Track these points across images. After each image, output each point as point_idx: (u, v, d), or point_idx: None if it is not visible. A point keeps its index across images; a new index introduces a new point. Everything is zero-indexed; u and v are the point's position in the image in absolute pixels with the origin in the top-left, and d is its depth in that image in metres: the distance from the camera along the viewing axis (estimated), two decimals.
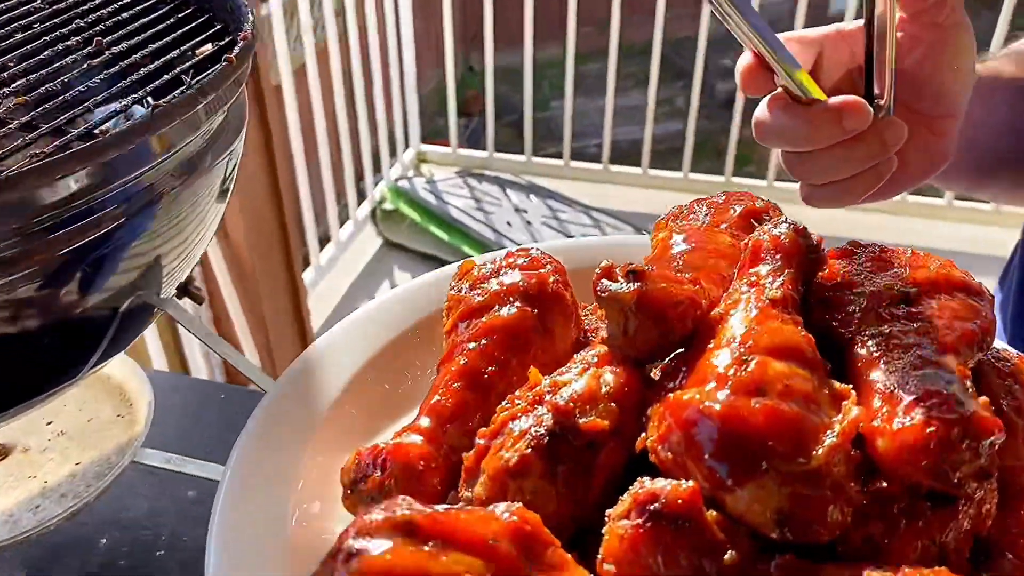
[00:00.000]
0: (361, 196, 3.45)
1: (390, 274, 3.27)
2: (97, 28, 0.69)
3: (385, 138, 3.49)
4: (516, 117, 3.73)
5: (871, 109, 0.65)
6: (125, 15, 0.71)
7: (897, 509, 0.47)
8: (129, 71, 0.63)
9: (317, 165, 3.01)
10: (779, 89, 0.66)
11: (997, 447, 0.45)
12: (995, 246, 3.08)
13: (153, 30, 0.69)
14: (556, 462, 0.48)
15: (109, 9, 0.72)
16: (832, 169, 0.68)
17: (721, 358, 0.48)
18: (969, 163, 0.86)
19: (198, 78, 0.59)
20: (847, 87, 0.70)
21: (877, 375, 0.49)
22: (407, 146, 3.75)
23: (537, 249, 0.64)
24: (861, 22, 0.68)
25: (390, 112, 3.51)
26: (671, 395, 0.47)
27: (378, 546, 0.41)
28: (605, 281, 0.51)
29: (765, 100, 0.68)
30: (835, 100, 0.65)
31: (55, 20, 0.70)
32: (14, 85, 0.60)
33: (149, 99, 0.59)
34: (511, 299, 0.59)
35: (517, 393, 0.52)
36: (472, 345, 0.57)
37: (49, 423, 0.80)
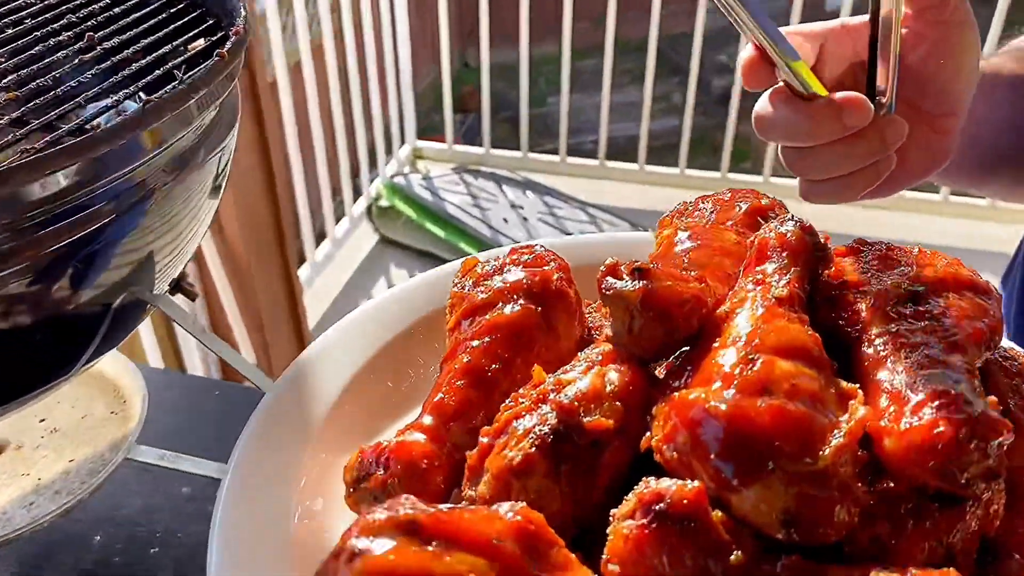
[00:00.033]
0: (357, 193, 3.44)
1: (386, 271, 3.27)
2: (89, 23, 0.69)
3: (381, 134, 3.48)
4: (512, 113, 3.72)
5: (872, 106, 0.65)
6: (117, 10, 0.71)
7: (904, 509, 0.46)
8: (121, 66, 0.62)
9: (313, 162, 3.01)
10: (780, 83, 0.66)
11: (1005, 447, 0.45)
12: (991, 242, 3.08)
13: (145, 25, 0.68)
14: (560, 461, 0.47)
15: (101, 4, 0.71)
16: (831, 165, 0.68)
17: (727, 357, 0.47)
18: (971, 160, 0.86)
19: (190, 73, 0.59)
20: (849, 83, 0.69)
21: (884, 374, 0.49)
22: (403, 142, 3.75)
23: (541, 246, 0.63)
24: (866, 17, 0.68)
25: (386, 108, 3.51)
26: (676, 394, 0.47)
27: (381, 546, 0.40)
28: (610, 279, 0.51)
29: (766, 94, 0.68)
30: (836, 96, 0.65)
31: (46, 15, 0.70)
32: (5, 81, 0.60)
33: (141, 94, 0.58)
34: (514, 296, 0.58)
35: (521, 391, 0.52)
36: (475, 343, 0.57)
37: (42, 420, 0.80)
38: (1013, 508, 0.49)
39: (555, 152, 3.68)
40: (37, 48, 0.64)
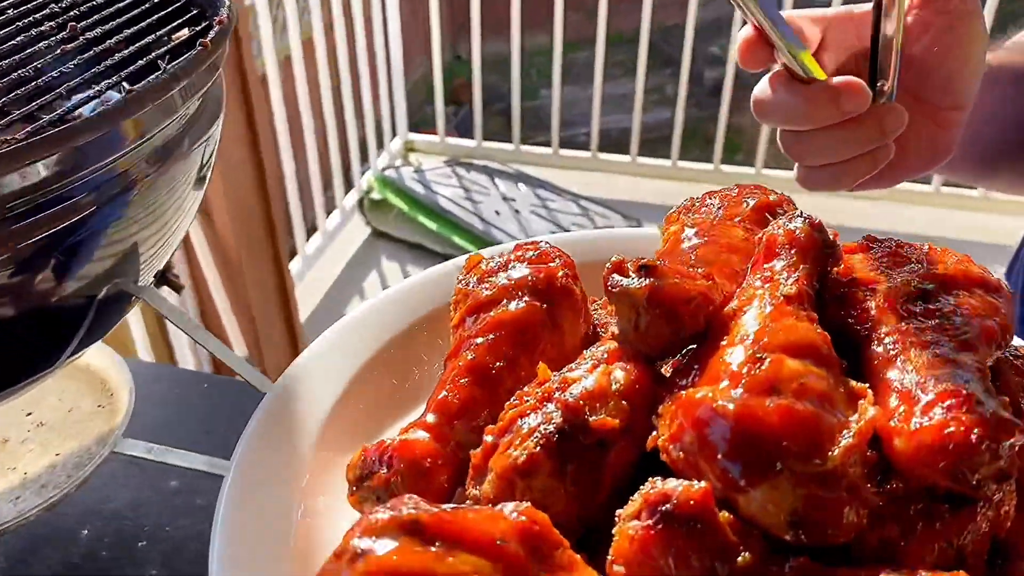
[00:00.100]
0: (348, 186, 3.43)
1: (378, 264, 3.26)
2: (71, 13, 0.68)
3: (372, 127, 3.47)
4: (505, 106, 3.72)
5: (870, 92, 0.65)
6: (100, 0, 0.70)
7: (914, 510, 0.46)
8: (103, 56, 0.62)
9: (304, 155, 3.01)
10: (778, 65, 0.66)
11: (1017, 448, 0.44)
12: (985, 233, 3.09)
13: (128, 15, 0.68)
14: (565, 461, 0.47)
15: None
16: (828, 150, 0.68)
17: (735, 356, 0.47)
18: (975, 155, 0.86)
19: (173, 63, 0.58)
20: (853, 71, 0.69)
21: (894, 373, 0.48)
22: (394, 135, 3.74)
23: (546, 242, 0.63)
24: (870, 5, 0.67)
25: (377, 101, 3.50)
26: (683, 393, 0.46)
27: (384, 546, 0.40)
28: (616, 276, 0.50)
29: (766, 78, 0.68)
30: (835, 80, 0.64)
31: (28, 5, 0.69)
32: None
33: (124, 84, 0.58)
34: (519, 293, 0.58)
35: (526, 389, 0.51)
36: (480, 340, 0.56)
37: (29, 414, 0.80)
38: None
39: (547, 144, 3.68)
40: (19, 38, 0.64)
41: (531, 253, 0.61)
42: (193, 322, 0.70)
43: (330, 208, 3.31)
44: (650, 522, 0.42)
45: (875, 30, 0.66)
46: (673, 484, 0.43)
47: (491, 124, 3.79)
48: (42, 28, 0.65)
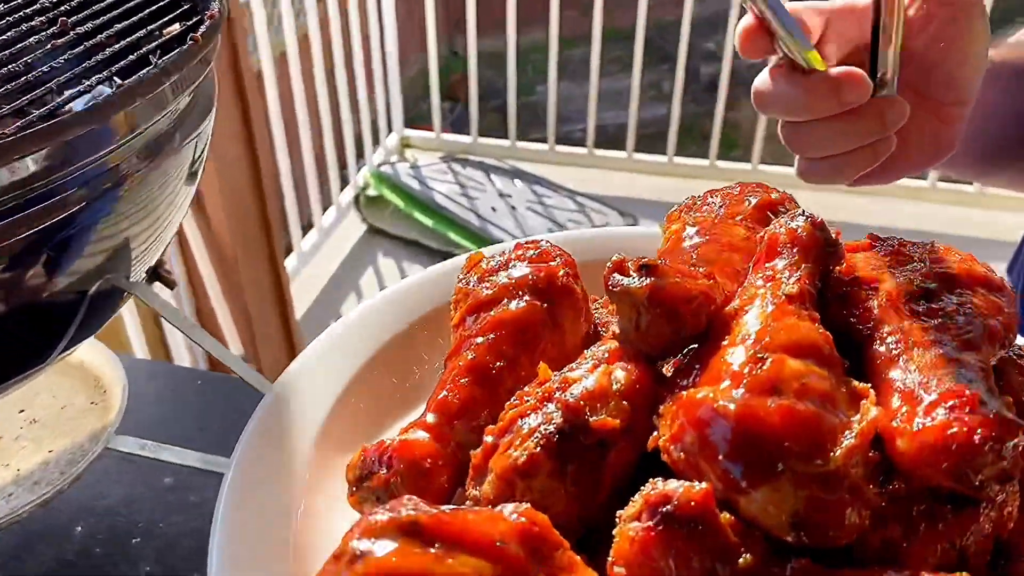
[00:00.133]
0: (344, 182, 3.42)
1: (374, 261, 3.25)
2: (62, 8, 0.68)
3: (368, 123, 3.46)
4: (501, 102, 3.71)
5: (871, 83, 0.65)
6: None
7: (916, 511, 0.46)
8: (94, 51, 0.61)
9: (299, 151, 3.00)
10: (778, 55, 0.66)
11: (1021, 448, 0.44)
12: (984, 229, 3.09)
13: (119, 10, 0.67)
14: (566, 461, 0.47)
15: None
16: (828, 142, 0.67)
17: (736, 356, 0.46)
18: (977, 151, 0.85)
19: (164, 58, 0.58)
20: (855, 63, 0.68)
21: (897, 373, 0.48)
22: (390, 131, 3.73)
23: (547, 241, 0.62)
24: None
25: (372, 97, 3.49)
26: (684, 393, 0.46)
27: (383, 548, 0.40)
28: (617, 276, 0.50)
29: (766, 69, 0.68)
30: (835, 71, 0.64)
31: (18, 0, 0.69)
32: None
33: (116, 79, 0.58)
34: (520, 292, 0.57)
35: (526, 389, 0.51)
36: (480, 339, 0.56)
37: (22, 411, 0.80)
38: None
39: (543, 141, 3.68)
40: (9, 33, 0.63)
41: (532, 252, 0.60)
42: (186, 319, 0.70)
43: (326, 205, 3.30)
44: (651, 523, 0.42)
45: (876, 22, 0.66)
46: (674, 485, 0.43)
47: (487, 120, 3.78)
48: (33, 23, 0.65)
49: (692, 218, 0.61)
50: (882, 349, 0.49)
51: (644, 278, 0.49)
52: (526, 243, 0.62)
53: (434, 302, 0.70)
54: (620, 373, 0.49)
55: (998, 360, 0.51)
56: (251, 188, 2.24)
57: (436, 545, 0.40)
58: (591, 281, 0.59)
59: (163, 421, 0.90)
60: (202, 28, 0.62)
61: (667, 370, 0.52)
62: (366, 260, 3.26)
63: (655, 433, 0.47)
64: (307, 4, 2.92)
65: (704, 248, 0.57)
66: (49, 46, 0.62)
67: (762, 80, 0.68)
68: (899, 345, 0.49)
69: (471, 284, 0.60)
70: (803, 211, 0.55)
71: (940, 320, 0.50)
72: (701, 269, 0.53)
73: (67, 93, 0.56)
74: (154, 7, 0.68)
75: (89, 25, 0.65)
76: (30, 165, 0.51)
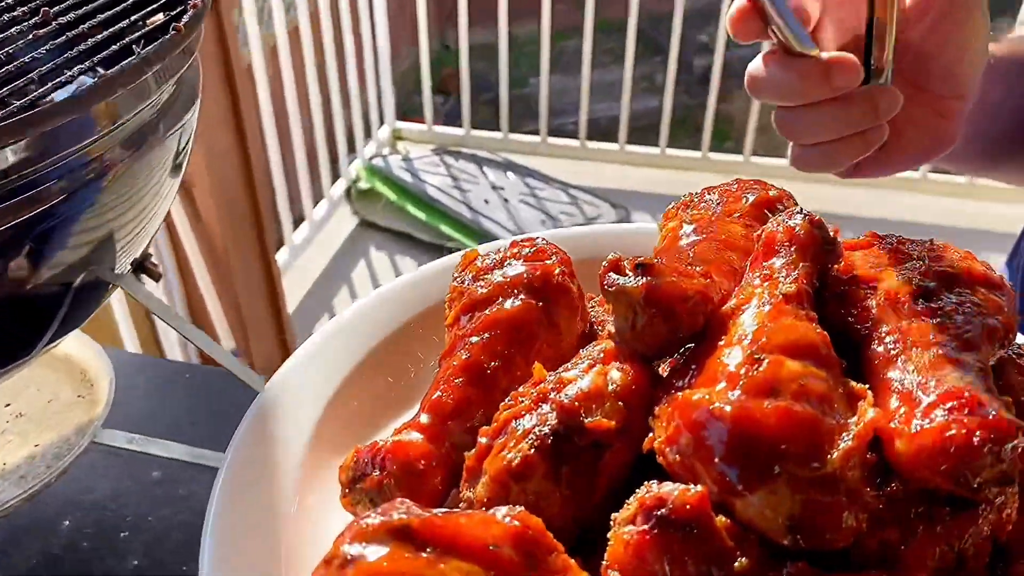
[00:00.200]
0: (336, 175, 3.41)
1: (366, 254, 3.24)
2: None
3: (359, 116, 3.45)
4: (493, 95, 3.70)
5: (862, 69, 0.64)
6: None
7: (914, 514, 0.45)
8: (76, 41, 0.61)
9: (291, 144, 2.99)
10: (771, 39, 0.65)
11: (1020, 450, 0.43)
12: (970, 219, 3.10)
13: (102, 0, 0.66)
14: (560, 463, 0.46)
15: None
16: (820, 128, 0.67)
17: (732, 356, 0.46)
18: (977, 148, 0.84)
19: (146, 48, 0.57)
20: (854, 52, 0.68)
21: (895, 373, 0.47)
22: (382, 123, 3.72)
23: (543, 239, 0.62)
24: None
25: (364, 89, 3.48)
26: (680, 394, 0.46)
27: (374, 552, 0.40)
28: (612, 275, 0.49)
29: (760, 55, 0.67)
30: (826, 55, 0.64)
31: None
32: None
33: (99, 69, 0.57)
34: (515, 291, 0.57)
35: (521, 390, 0.50)
36: (475, 339, 0.55)
37: (7, 405, 0.79)
38: None
39: (536, 133, 3.67)
40: None
41: (527, 250, 0.60)
42: (173, 311, 0.70)
43: (317, 198, 3.29)
44: (646, 527, 0.42)
45: (871, 11, 0.65)
46: (669, 488, 0.43)
47: (480, 113, 3.77)
48: (14, 13, 0.64)
49: (689, 215, 0.60)
50: (880, 349, 0.49)
51: (640, 277, 0.48)
52: (521, 241, 0.61)
53: (429, 300, 0.69)
54: (616, 373, 0.49)
55: (997, 359, 0.51)
56: (242, 182, 2.23)
57: (428, 549, 0.40)
58: (587, 279, 0.59)
59: (151, 415, 0.90)
60: (185, 18, 0.61)
61: (663, 370, 0.51)
62: (358, 253, 3.25)
63: (651, 434, 0.47)
64: None
65: (701, 246, 0.56)
66: (31, 36, 0.61)
67: (755, 65, 0.68)
68: (897, 345, 0.48)
69: (466, 282, 0.59)
70: (801, 209, 0.54)
71: (939, 319, 0.49)
72: (698, 268, 0.52)
73: (49, 84, 0.55)
74: None
75: (71, 15, 0.64)
76: (9, 156, 0.50)
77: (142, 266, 0.74)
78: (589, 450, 0.46)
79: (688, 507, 0.42)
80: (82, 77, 0.57)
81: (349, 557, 0.39)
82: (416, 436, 0.51)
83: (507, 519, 0.42)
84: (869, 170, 0.73)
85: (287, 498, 0.56)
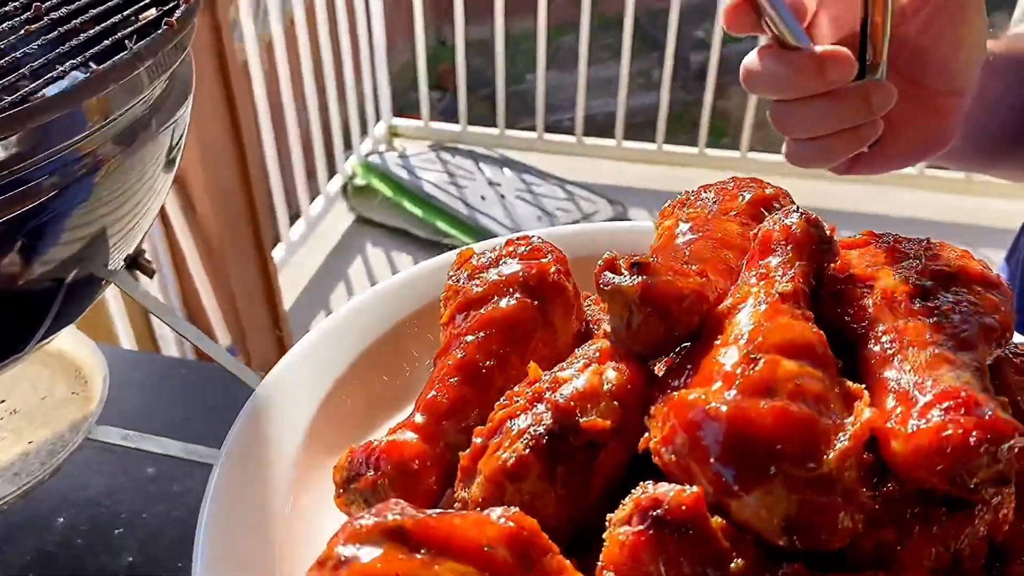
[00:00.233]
0: (332, 171, 3.41)
1: (362, 250, 3.24)
2: None
3: (356, 112, 3.44)
4: (490, 91, 3.70)
5: (855, 62, 0.64)
6: None
7: (910, 514, 0.45)
8: (69, 37, 0.60)
9: (286, 141, 2.98)
10: (765, 33, 0.65)
11: (1016, 450, 0.43)
12: (973, 215, 3.10)
13: None
14: (555, 463, 0.46)
15: None
16: (813, 122, 0.67)
17: (728, 356, 0.46)
18: (975, 146, 0.84)
19: (139, 43, 0.57)
20: (851, 48, 0.68)
21: (891, 373, 0.47)
22: (378, 120, 3.71)
23: (538, 237, 0.61)
24: None
25: (360, 86, 3.47)
26: (676, 394, 0.45)
27: (368, 554, 0.40)
28: (608, 274, 0.49)
29: (755, 49, 0.68)
30: (819, 48, 0.64)
31: None
32: None
33: (91, 64, 0.57)
34: (511, 290, 0.56)
35: (516, 389, 0.50)
36: (470, 338, 0.55)
37: (2, 401, 0.79)
38: (1022, 510, 0.48)
39: (533, 129, 3.67)
40: None
41: (523, 248, 0.59)
42: (166, 307, 0.70)
43: (314, 194, 3.29)
44: (641, 528, 0.42)
45: (865, 6, 0.65)
46: (664, 489, 0.43)
47: (476, 109, 3.77)
48: (6, 9, 0.64)
49: (685, 214, 0.60)
50: (877, 348, 0.49)
51: (635, 276, 0.48)
52: (517, 239, 0.61)
53: (425, 298, 0.69)
54: (611, 373, 0.49)
55: (994, 358, 0.50)
56: (238, 178, 2.23)
57: (422, 550, 0.40)
58: (583, 277, 0.59)
59: (146, 411, 0.90)
60: (177, 13, 0.61)
61: (659, 369, 0.51)
62: (354, 250, 3.25)
63: (647, 434, 0.46)
64: None
65: (697, 245, 0.56)
66: (23, 32, 0.61)
67: (750, 59, 0.68)
68: (894, 344, 0.48)
69: (461, 281, 0.59)
70: (797, 207, 0.54)
71: (936, 318, 0.49)
72: (694, 267, 0.52)
73: (40, 79, 0.55)
74: None
75: (64, 10, 0.64)
76: (0, 151, 0.50)
77: (136, 262, 0.74)
78: (584, 450, 0.46)
79: (684, 508, 0.42)
80: (74, 72, 0.57)
81: (343, 558, 0.39)
82: (411, 436, 0.51)
83: (502, 520, 0.42)
84: (866, 167, 0.73)
85: (281, 498, 0.55)
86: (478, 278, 0.58)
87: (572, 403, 0.47)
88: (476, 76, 3.72)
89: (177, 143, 0.68)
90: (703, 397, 0.44)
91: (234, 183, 2.23)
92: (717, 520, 0.42)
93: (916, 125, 0.71)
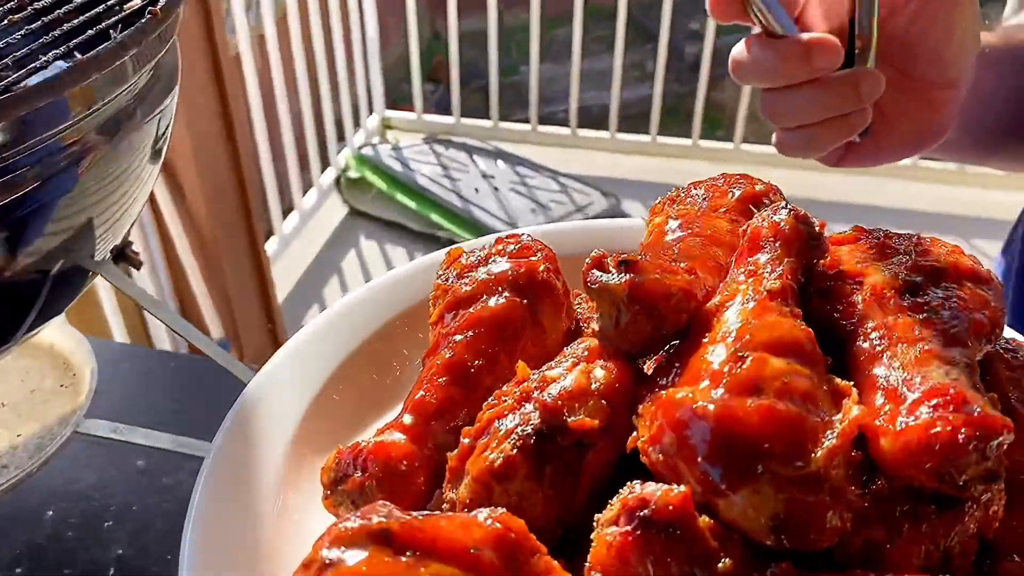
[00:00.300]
0: (325, 164, 3.40)
1: (356, 243, 3.23)
2: None
3: (348, 105, 3.44)
4: (484, 83, 3.69)
5: (842, 50, 0.64)
6: None
7: (899, 512, 0.45)
8: (53, 27, 0.60)
9: (279, 133, 2.97)
10: (752, 21, 0.66)
11: (1005, 447, 0.43)
12: (968, 207, 3.10)
13: None
14: (543, 463, 0.46)
15: None
16: (801, 110, 0.67)
17: (716, 354, 0.45)
18: (971, 139, 0.84)
19: (123, 33, 0.57)
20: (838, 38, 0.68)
21: (880, 370, 0.47)
22: (371, 112, 3.70)
23: (527, 235, 0.61)
24: None
25: (353, 78, 3.46)
26: (663, 393, 0.45)
27: (353, 556, 0.39)
28: (596, 272, 0.49)
29: (743, 39, 0.68)
30: (806, 35, 0.64)
31: None
32: None
33: (76, 54, 0.56)
34: (499, 289, 0.56)
35: (504, 389, 0.50)
36: (458, 337, 0.55)
37: None
38: (1012, 507, 0.48)
39: (526, 121, 3.66)
40: None
41: (512, 247, 0.59)
42: (152, 297, 0.70)
43: (307, 187, 3.28)
44: (628, 528, 0.41)
45: None
46: (652, 488, 0.42)
47: (470, 101, 3.76)
48: None
49: (675, 211, 0.60)
50: (866, 345, 0.48)
51: (623, 274, 0.48)
52: (506, 237, 0.61)
53: (415, 297, 0.68)
54: (599, 372, 0.48)
55: (984, 354, 0.50)
56: (230, 171, 2.22)
57: (408, 553, 0.39)
58: (574, 275, 0.58)
59: (135, 404, 0.91)
60: (161, 2, 0.61)
61: (648, 368, 0.51)
62: (348, 243, 3.24)
63: (634, 433, 0.46)
64: None
65: (686, 242, 0.56)
66: (6, 22, 0.61)
67: (738, 49, 0.68)
68: (883, 341, 0.48)
69: (450, 280, 0.59)
70: (786, 204, 0.54)
71: (925, 315, 0.49)
72: (682, 264, 0.51)
73: (24, 69, 0.54)
74: None
75: (47, 0, 0.63)
76: None
77: (122, 253, 0.73)
78: (572, 450, 0.46)
79: (671, 508, 0.41)
80: (57, 62, 0.56)
81: (328, 561, 0.39)
82: (399, 437, 0.51)
83: (488, 521, 0.41)
84: (858, 160, 0.73)
85: (269, 497, 0.55)
86: (467, 277, 0.58)
87: (560, 402, 0.47)
88: (469, 68, 3.71)
89: (163, 133, 0.67)
90: (690, 396, 0.43)
91: (227, 176, 2.22)
92: (705, 520, 0.42)
93: (909, 117, 0.71)
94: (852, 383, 0.46)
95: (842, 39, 0.66)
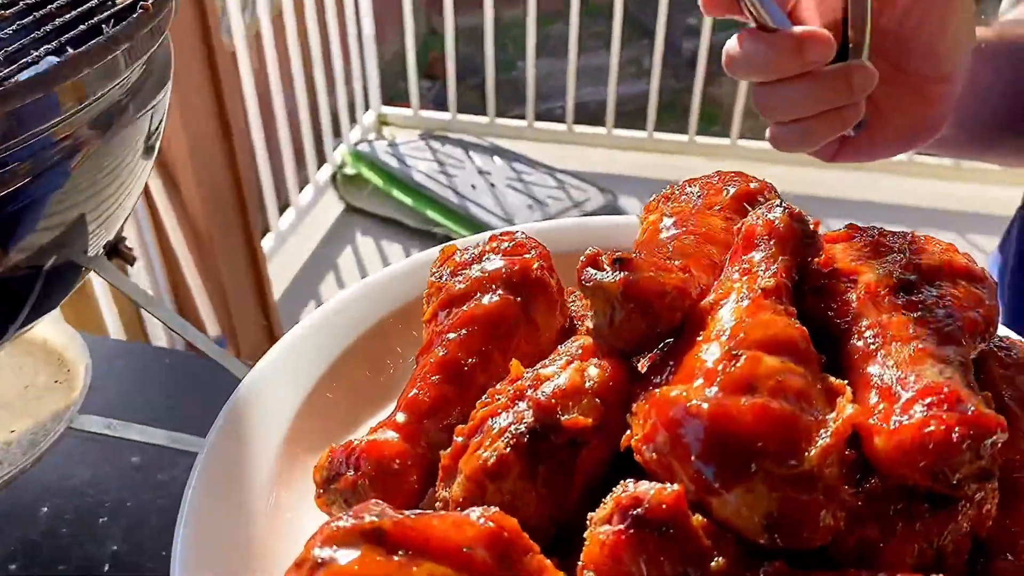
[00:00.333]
0: (321, 160, 3.39)
1: (352, 240, 3.23)
2: None
3: (345, 101, 3.43)
4: (481, 79, 3.69)
5: (834, 43, 0.64)
6: None
7: (893, 510, 0.45)
8: (44, 21, 0.60)
9: (275, 130, 2.97)
10: (743, 15, 0.66)
11: (999, 446, 0.43)
12: (964, 202, 3.10)
13: None
14: (537, 461, 0.46)
15: None
16: (794, 104, 0.67)
17: (710, 352, 0.45)
18: (968, 134, 0.83)
19: (115, 28, 0.57)
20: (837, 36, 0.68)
21: (874, 368, 0.47)
22: (367, 108, 3.70)
23: (521, 233, 0.61)
24: None
25: (349, 74, 3.45)
26: (657, 391, 0.45)
27: (345, 556, 0.39)
28: (590, 270, 0.48)
29: (736, 34, 0.68)
30: (798, 29, 0.64)
31: None
32: None
33: (69, 49, 0.56)
34: (493, 286, 0.56)
35: (498, 387, 0.50)
36: (452, 335, 0.54)
37: None
38: (1005, 505, 0.48)
39: (523, 117, 3.66)
40: None
41: (506, 244, 0.59)
42: (145, 292, 0.69)
43: (303, 183, 3.27)
44: (621, 527, 0.41)
45: None
46: (645, 487, 0.42)
47: (466, 97, 3.76)
48: None
49: (670, 208, 0.60)
50: (860, 344, 0.48)
51: (617, 272, 0.48)
52: (500, 235, 0.61)
53: (409, 295, 0.68)
54: (593, 370, 0.48)
55: (979, 352, 0.50)
56: (226, 168, 2.22)
57: (400, 552, 0.39)
58: (568, 273, 0.58)
59: (130, 400, 0.91)
60: None
61: (642, 366, 0.51)
62: (344, 239, 3.24)
63: (628, 432, 0.46)
64: None
65: (680, 240, 0.55)
66: None
67: (731, 43, 0.68)
68: (877, 339, 0.48)
69: (444, 278, 0.58)
70: (781, 202, 0.54)
71: (919, 313, 0.49)
72: (677, 262, 0.51)
73: (15, 64, 0.54)
74: None
75: None
76: None
77: (116, 249, 0.73)
78: (566, 448, 0.46)
79: (664, 506, 0.41)
80: (49, 57, 0.56)
81: (320, 560, 0.39)
82: (391, 435, 0.51)
83: (481, 520, 0.41)
84: (853, 155, 0.73)
85: (262, 495, 0.55)
86: (461, 274, 0.57)
87: (553, 401, 0.47)
88: (466, 64, 3.71)
89: (156, 128, 0.67)
90: (684, 394, 0.43)
91: (223, 173, 2.22)
92: (698, 518, 0.42)
93: (904, 112, 0.71)
94: (846, 382, 0.46)
95: (836, 33, 0.66)
